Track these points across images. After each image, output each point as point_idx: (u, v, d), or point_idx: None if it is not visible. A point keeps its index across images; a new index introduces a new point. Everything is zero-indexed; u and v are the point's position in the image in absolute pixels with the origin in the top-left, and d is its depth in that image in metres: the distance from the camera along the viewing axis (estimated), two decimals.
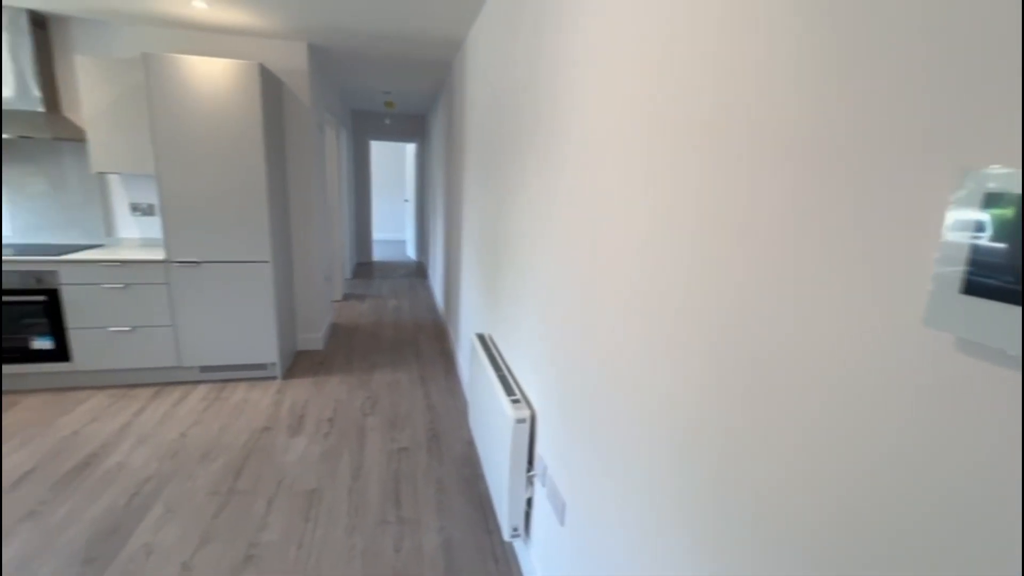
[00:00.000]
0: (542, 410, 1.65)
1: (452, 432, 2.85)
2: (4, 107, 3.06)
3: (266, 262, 3.23)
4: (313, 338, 4.02)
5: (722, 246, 0.77)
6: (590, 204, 1.25)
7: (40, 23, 3.11)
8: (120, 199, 3.49)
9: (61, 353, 3.09)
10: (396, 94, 5.63)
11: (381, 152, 9.83)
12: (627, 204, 1.06)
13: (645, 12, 0.99)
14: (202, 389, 3.25)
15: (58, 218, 3.42)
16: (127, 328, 3.13)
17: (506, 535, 1.80)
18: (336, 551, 1.93)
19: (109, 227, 3.50)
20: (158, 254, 3.18)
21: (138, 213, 3.52)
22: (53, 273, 2.99)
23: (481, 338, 2.47)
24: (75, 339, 3.09)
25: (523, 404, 1.75)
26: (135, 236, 3.55)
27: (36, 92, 3.09)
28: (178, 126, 2.95)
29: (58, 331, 3.06)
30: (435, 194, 5.84)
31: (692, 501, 0.84)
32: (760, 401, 0.69)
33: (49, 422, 2.77)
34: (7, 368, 3.04)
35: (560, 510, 1.45)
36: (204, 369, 3.35)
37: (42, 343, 3.06)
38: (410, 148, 8.23)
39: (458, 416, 3.05)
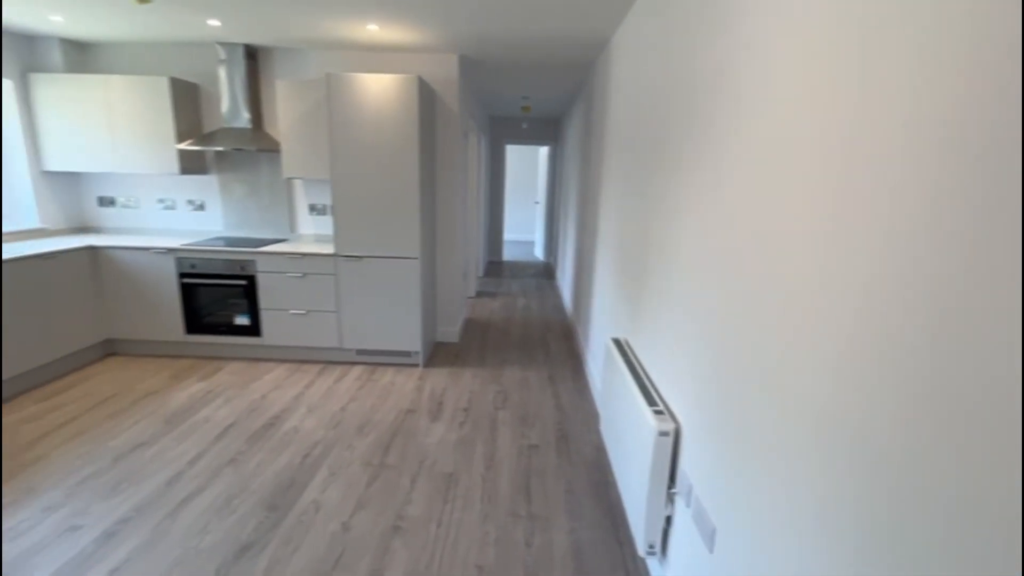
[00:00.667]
0: (688, 424, 1.56)
1: (581, 435, 2.84)
2: (224, 124, 3.75)
3: (415, 258, 3.52)
4: (450, 331, 4.29)
5: (935, 253, 0.64)
6: (767, 207, 1.14)
7: (252, 55, 3.75)
8: (301, 201, 4.06)
9: (255, 329, 3.70)
10: (533, 99, 5.77)
11: (514, 155, 10.15)
12: (811, 206, 0.94)
13: None
14: (357, 370, 3.65)
15: (255, 216, 4.09)
16: (303, 312, 3.64)
17: (641, 550, 1.74)
18: (471, 535, 2.03)
19: (292, 224, 4.10)
20: (328, 248, 3.64)
21: (314, 213, 4.07)
22: (252, 262, 3.59)
23: (618, 343, 2.42)
24: (265, 318, 3.67)
25: (666, 416, 1.67)
26: (311, 232, 4.10)
27: (246, 112, 3.72)
28: (350, 135, 3.34)
29: (254, 311, 3.66)
30: (567, 196, 5.87)
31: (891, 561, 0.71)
32: (984, 432, 0.56)
33: (244, 386, 3.32)
34: (219, 338, 3.72)
35: (709, 536, 1.35)
36: (360, 352, 3.75)
37: (242, 320, 3.69)
38: (542, 151, 8.39)
39: (587, 419, 3.03)
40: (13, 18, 3.15)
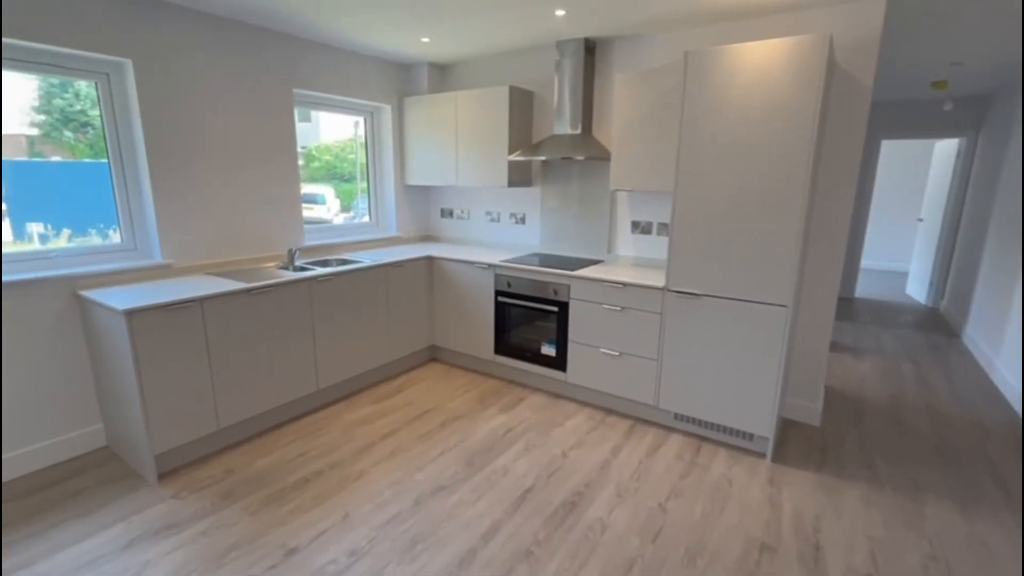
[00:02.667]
0: None
1: None
2: (552, 132, 3.40)
3: (782, 306, 2.41)
4: (806, 407, 2.98)
5: None
6: None
7: (590, 49, 3.27)
8: (624, 216, 3.42)
9: (560, 362, 3.23)
10: (970, 63, 3.76)
11: (887, 154, 7.44)
12: None
13: None
14: (676, 441, 2.77)
15: (571, 231, 3.65)
16: (615, 353, 2.97)
17: None
18: None
19: (611, 243, 3.51)
20: (653, 278, 2.87)
21: (637, 231, 3.37)
22: (566, 287, 3.12)
23: None
24: (572, 353, 3.17)
25: None
26: (630, 254, 3.43)
27: (576, 117, 3.28)
28: (708, 131, 2.46)
29: (561, 341, 3.20)
30: (1001, 212, 3.66)
31: None
32: None
33: (545, 431, 2.85)
34: (524, 365, 3.42)
35: None
36: (678, 417, 2.87)
37: (548, 349, 3.27)
38: (944, 146, 5.84)
39: None
40: (393, 43, 3.41)
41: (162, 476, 2.39)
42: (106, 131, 2.62)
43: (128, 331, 2.17)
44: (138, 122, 2.62)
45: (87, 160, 2.64)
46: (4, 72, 2.31)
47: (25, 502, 2.20)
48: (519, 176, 3.67)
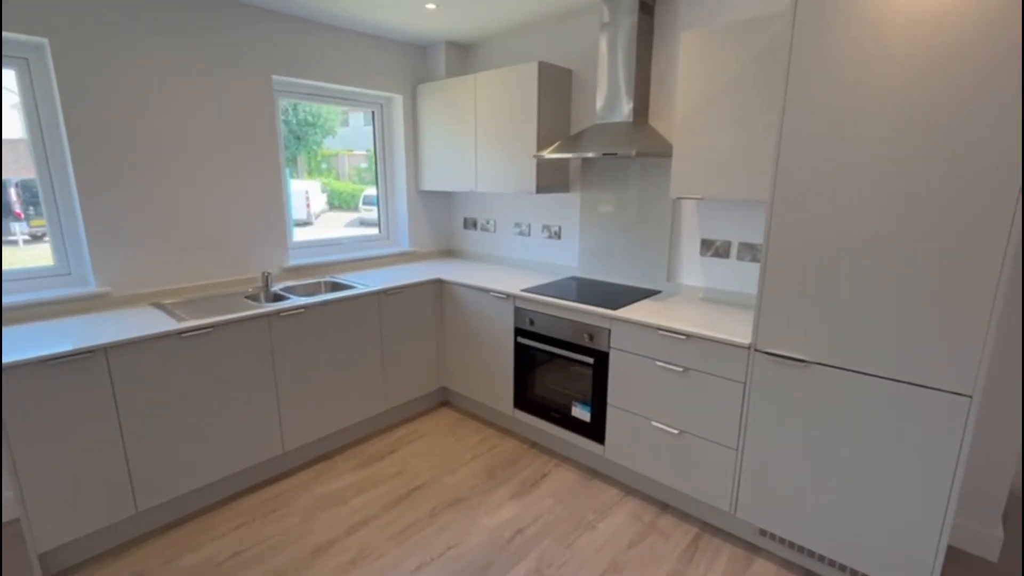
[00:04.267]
0: None
1: None
2: (596, 121, 2.56)
3: (964, 396, 1.44)
4: (978, 532, 1.95)
5: None
6: None
7: (647, 8, 2.41)
8: (691, 233, 2.52)
9: (596, 431, 2.40)
10: None
11: None
12: None
13: None
14: (764, 570, 1.86)
15: (620, 250, 2.79)
16: (673, 430, 2.10)
17: None
18: None
19: (672, 268, 2.62)
20: (732, 326, 1.97)
21: (709, 253, 2.46)
22: (605, 332, 2.28)
23: None
24: (612, 420, 2.32)
25: None
26: (698, 284, 2.52)
27: (627, 100, 2.42)
28: (831, 109, 1.54)
29: (599, 404, 2.36)
30: None
31: None
32: None
33: (568, 539, 2.03)
34: (550, 427, 2.61)
35: None
36: (765, 533, 1.95)
37: (581, 412, 2.45)
38: None
39: None
40: (393, 13, 2.71)
41: None
42: (29, 131, 2.12)
43: None
44: (61, 117, 2.09)
45: None
46: None
47: None
48: (552, 179, 2.86)
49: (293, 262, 2.93)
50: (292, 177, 3.07)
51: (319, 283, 2.91)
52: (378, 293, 2.68)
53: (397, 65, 3.24)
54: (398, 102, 3.34)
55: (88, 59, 2.11)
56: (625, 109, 2.45)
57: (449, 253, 3.80)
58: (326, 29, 2.85)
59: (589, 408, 2.40)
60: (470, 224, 3.63)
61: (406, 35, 3.10)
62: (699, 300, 2.44)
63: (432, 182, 3.38)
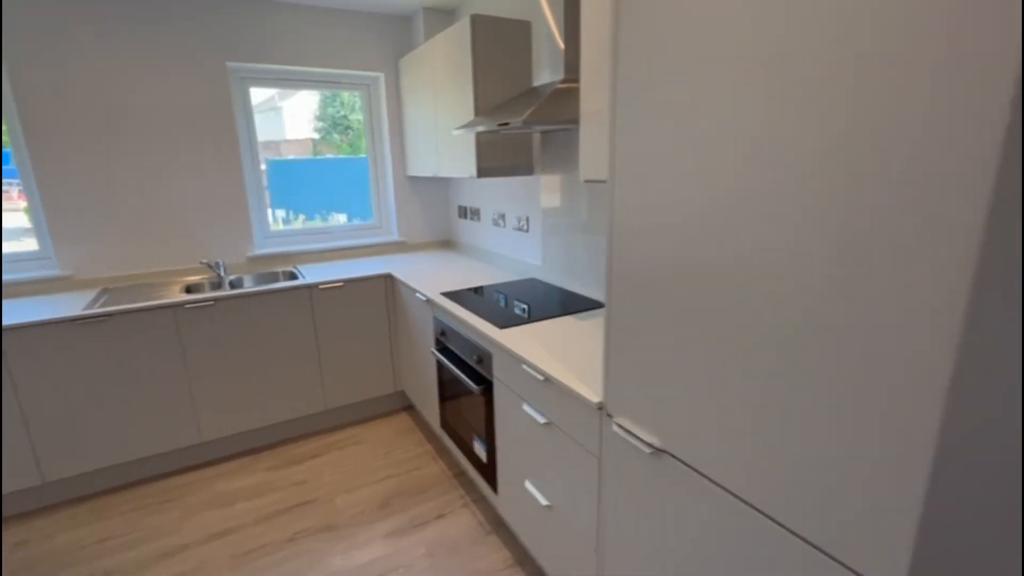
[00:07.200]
0: None
1: None
2: (534, 82, 2.00)
3: None
4: None
5: None
6: None
7: None
8: None
9: (491, 474, 1.92)
10: None
11: None
12: None
13: None
14: None
15: (578, 249, 2.17)
16: (544, 501, 1.54)
17: None
18: None
19: None
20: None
21: None
22: (489, 356, 1.78)
23: None
24: (503, 467, 1.82)
25: None
26: None
27: (555, 54, 1.82)
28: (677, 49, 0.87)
29: (491, 442, 1.88)
30: None
31: None
32: None
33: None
34: (462, 458, 2.19)
35: None
36: None
37: (480, 449, 1.98)
38: None
39: None
40: None
41: None
42: None
43: None
44: (16, 113, 2.30)
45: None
46: None
47: None
48: (506, 159, 2.37)
49: (266, 250, 2.93)
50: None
51: (276, 273, 2.86)
52: (309, 287, 2.52)
53: (374, 40, 3.00)
54: (380, 81, 3.11)
55: (38, 53, 2.27)
56: (556, 66, 1.85)
57: (446, 244, 3.49)
58: (285, 8, 2.73)
59: (485, 446, 1.93)
60: (463, 212, 3.27)
61: (378, 4, 2.83)
62: None
63: (415, 167, 3.09)
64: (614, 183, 1.06)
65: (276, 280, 2.82)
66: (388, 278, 2.72)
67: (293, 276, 2.76)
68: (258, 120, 2.86)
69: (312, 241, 3.11)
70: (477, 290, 2.28)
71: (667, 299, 0.97)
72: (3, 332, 1.96)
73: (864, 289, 0.65)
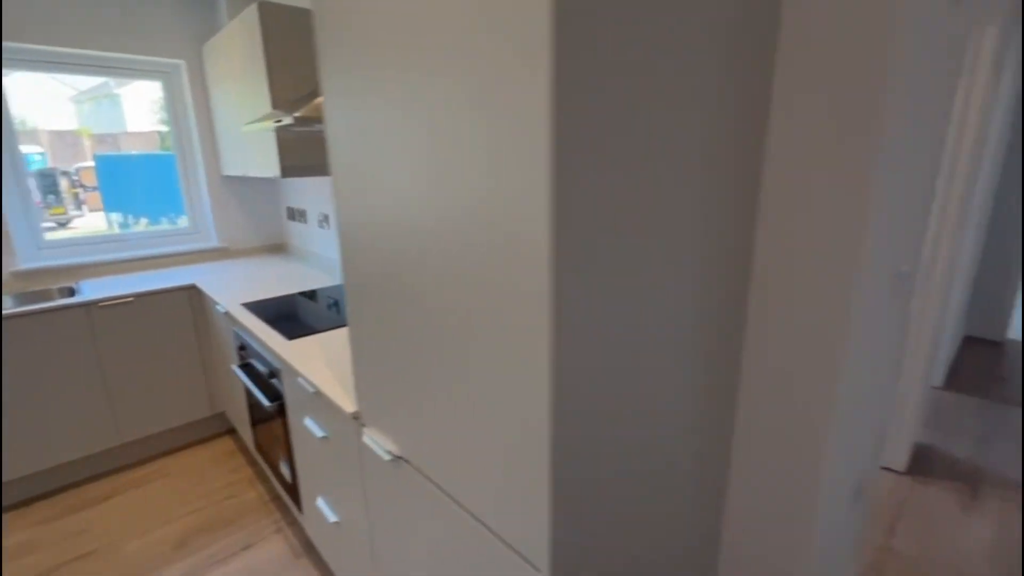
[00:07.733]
0: None
1: None
2: None
3: (536, 570, 0.74)
4: None
5: None
6: None
7: None
8: None
9: (294, 492, 1.80)
10: None
11: None
12: None
13: None
14: None
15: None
16: (332, 516, 1.47)
17: None
18: None
19: None
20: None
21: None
22: (278, 371, 1.66)
23: None
24: (302, 480, 1.72)
25: None
26: None
27: None
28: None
29: (292, 462, 1.76)
30: None
31: None
32: None
33: None
34: (275, 482, 2.03)
35: None
36: None
37: (285, 470, 1.85)
38: None
39: None
40: None
41: None
42: None
43: None
44: None
45: None
46: None
47: None
48: (313, 157, 2.23)
49: (38, 264, 2.47)
50: None
51: (51, 291, 2.44)
52: (86, 306, 2.17)
53: (170, 21, 2.66)
54: (183, 69, 2.77)
55: None
56: None
57: (277, 249, 3.24)
58: None
59: (289, 467, 1.80)
60: (292, 215, 3.05)
61: None
62: None
63: (228, 165, 2.81)
64: (335, 162, 1.01)
65: (50, 299, 2.39)
66: (192, 290, 2.44)
67: (72, 293, 2.37)
68: (88, 109, 2.40)
69: (110, 251, 2.70)
70: (285, 298, 2.12)
71: (375, 302, 0.94)
72: None
73: (488, 295, 0.67)
